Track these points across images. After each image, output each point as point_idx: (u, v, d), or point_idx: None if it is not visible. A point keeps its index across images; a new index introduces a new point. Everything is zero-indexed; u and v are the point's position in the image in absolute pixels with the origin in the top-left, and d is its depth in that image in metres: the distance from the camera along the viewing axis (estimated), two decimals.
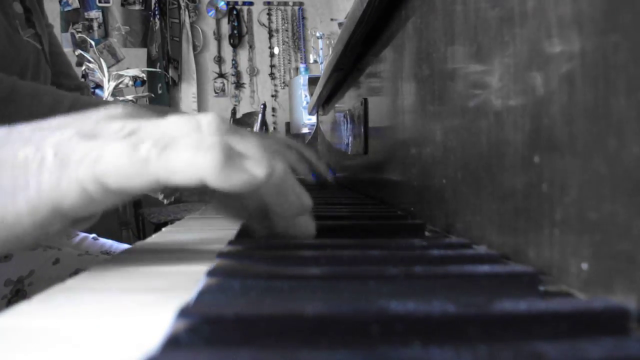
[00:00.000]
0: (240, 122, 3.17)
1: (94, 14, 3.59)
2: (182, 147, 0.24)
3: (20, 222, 0.25)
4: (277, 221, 0.32)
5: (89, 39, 3.21)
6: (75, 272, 0.78)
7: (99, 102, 0.74)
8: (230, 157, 0.25)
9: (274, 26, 3.82)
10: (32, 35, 0.82)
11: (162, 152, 0.24)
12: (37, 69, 0.82)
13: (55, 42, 0.95)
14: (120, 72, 2.85)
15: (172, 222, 1.83)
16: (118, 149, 0.24)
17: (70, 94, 0.72)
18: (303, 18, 3.83)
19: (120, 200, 0.26)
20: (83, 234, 0.90)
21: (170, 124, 0.26)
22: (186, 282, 0.25)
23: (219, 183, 0.25)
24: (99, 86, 2.77)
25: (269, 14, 3.81)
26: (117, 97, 2.80)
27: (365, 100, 0.72)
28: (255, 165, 0.25)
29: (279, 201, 0.29)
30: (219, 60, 3.77)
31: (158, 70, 3.48)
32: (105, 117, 0.27)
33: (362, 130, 0.73)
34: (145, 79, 3.30)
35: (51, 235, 0.26)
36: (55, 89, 0.73)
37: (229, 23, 3.76)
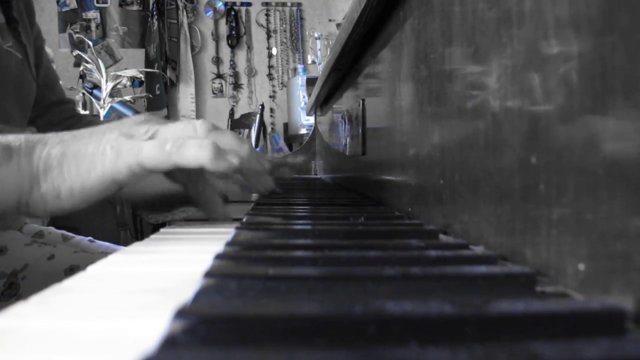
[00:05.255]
0: (239, 123, 3.17)
1: (92, 14, 3.58)
2: (190, 146, 0.39)
3: (92, 188, 0.40)
4: (249, 182, 0.49)
5: (86, 40, 3.20)
6: (70, 269, 0.77)
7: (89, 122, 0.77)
8: (218, 152, 0.40)
9: (272, 27, 3.82)
10: (14, 44, 0.82)
11: (178, 149, 0.39)
12: (21, 79, 0.83)
13: (45, 58, 0.96)
14: (118, 73, 2.85)
15: (169, 223, 1.83)
16: (152, 146, 0.40)
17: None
18: (301, 19, 3.83)
19: (149, 175, 0.41)
20: (79, 237, 0.90)
21: (177, 128, 0.42)
22: (183, 283, 0.25)
23: (212, 167, 0.40)
24: (97, 87, 2.77)
25: (267, 15, 3.81)
26: (115, 97, 2.79)
27: (363, 101, 0.72)
28: (232, 156, 0.41)
29: (250, 167, 0.45)
30: (217, 61, 3.77)
31: (156, 70, 3.47)
32: (134, 123, 0.43)
33: (360, 131, 0.73)
34: (143, 79, 3.29)
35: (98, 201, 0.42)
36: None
37: (227, 24, 3.76)
